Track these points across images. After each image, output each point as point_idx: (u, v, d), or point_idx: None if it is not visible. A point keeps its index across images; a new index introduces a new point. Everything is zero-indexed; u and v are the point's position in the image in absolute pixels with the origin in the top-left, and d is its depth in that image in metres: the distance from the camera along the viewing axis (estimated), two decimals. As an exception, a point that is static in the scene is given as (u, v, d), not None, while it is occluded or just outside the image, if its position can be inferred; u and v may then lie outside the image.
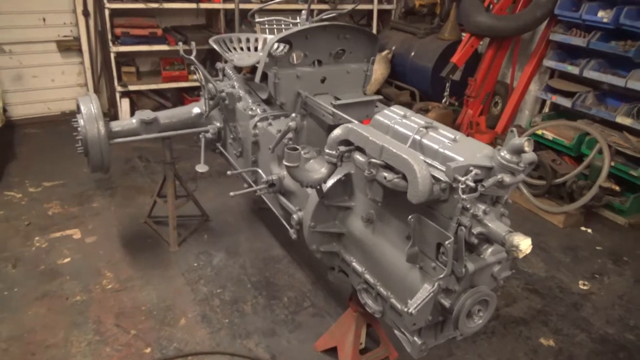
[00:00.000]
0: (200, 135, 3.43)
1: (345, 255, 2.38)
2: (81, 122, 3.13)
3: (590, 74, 4.55)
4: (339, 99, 2.61)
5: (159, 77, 5.83)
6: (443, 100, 5.29)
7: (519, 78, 5.45)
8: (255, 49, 3.53)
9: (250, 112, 3.10)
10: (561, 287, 3.50)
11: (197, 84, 5.89)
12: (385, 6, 6.82)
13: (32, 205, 4.12)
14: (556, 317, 3.21)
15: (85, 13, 5.65)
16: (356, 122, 2.11)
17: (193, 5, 5.53)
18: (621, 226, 4.37)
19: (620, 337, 3.09)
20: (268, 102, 3.23)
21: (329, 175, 2.14)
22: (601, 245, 4.07)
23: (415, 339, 2.02)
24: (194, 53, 3.31)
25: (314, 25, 2.43)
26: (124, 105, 5.62)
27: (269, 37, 3.52)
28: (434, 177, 1.74)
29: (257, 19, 2.93)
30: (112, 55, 5.35)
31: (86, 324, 2.92)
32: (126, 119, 3.36)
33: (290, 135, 2.64)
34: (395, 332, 2.14)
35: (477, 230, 1.73)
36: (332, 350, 2.77)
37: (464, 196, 1.62)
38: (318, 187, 2.21)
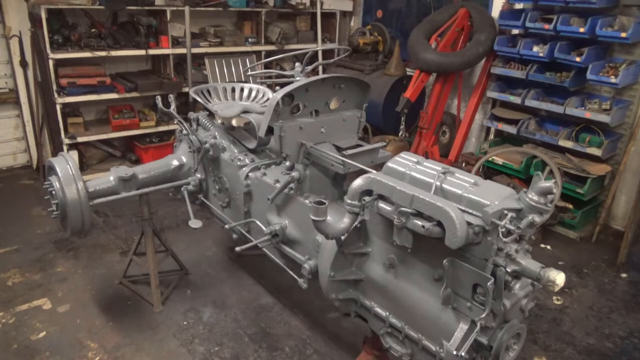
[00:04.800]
0: (182, 189, 3.34)
1: (364, 300, 2.40)
2: (56, 184, 2.95)
3: (531, 102, 4.97)
4: (338, 146, 2.67)
5: (108, 126, 5.59)
6: (400, 134, 5.53)
7: (463, 108, 5.84)
8: (233, 98, 3.52)
9: (238, 163, 3.08)
10: (539, 305, 3.74)
11: (149, 130, 5.74)
12: (329, 45, 7.06)
13: (-13, 277, 3.76)
14: (542, 335, 3.41)
15: (23, 64, 5.34)
16: (374, 171, 2.17)
17: (142, 52, 5.40)
18: (574, 240, 4.75)
19: (601, 347, 3.33)
20: (254, 151, 3.23)
21: (351, 225, 2.18)
22: (562, 260, 4.40)
23: (452, 378, 2.07)
24: (173, 106, 3.27)
25: (315, 79, 2.50)
26: (73, 157, 5.29)
27: (246, 85, 3.54)
28: (467, 221, 1.83)
29: (251, 73, 2.95)
30: (58, 107, 5.06)
31: (81, 404, 2.69)
32: (102, 177, 3.20)
33: (292, 185, 2.66)
34: (427, 373, 2.19)
35: (511, 268, 1.85)
36: (347, 397, 2.75)
37: (506, 239, 1.73)
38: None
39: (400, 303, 2.23)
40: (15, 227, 4.50)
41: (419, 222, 1.89)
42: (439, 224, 1.86)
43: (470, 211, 1.88)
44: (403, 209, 1.94)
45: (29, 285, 3.67)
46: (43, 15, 4.68)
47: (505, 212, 1.78)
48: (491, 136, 5.77)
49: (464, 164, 5.26)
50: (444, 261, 1.93)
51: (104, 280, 3.77)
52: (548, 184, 1.76)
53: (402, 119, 5.41)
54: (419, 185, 2.06)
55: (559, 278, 1.75)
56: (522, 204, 1.84)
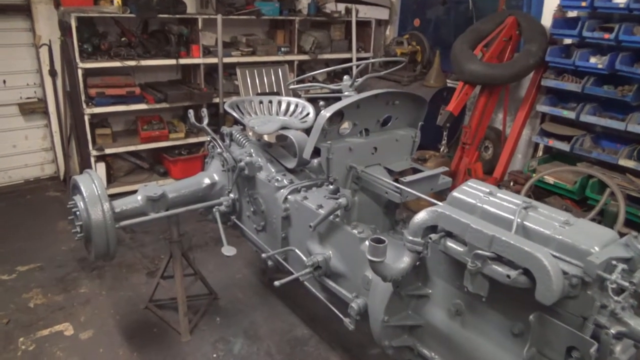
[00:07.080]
0: (214, 210, 3.09)
1: (422, 349, 2.09)
2: (81, 204, 2.73)
3: (587, 117, 4.58)
4: (389, 170, 2.38)
5: (136, 138, 5.41)
6: (441, 149, 5.20)
7: (509, 123, 5.48)
8: (270, 112, 3.26)
9: (276, 184, 2.81)
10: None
11: (178, 142, 5.54)
12: (363, 54, 6.79)
13: (8, 296, 3.56)
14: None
15: (52, 73, 5.21)
16: (441, 204, 1.87)
17: (172, 62, 5.22)
18: (635, 269, 4.32)
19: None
20: (293, 170, 2.96)
21: (412, 265, 1.88)
22: (625, 292, 3.98)
23: None
24: (206, 121, 3.04)
25: (368, 94, 2.21)
26: (100, 170, 5.14)
27: (284, 98, 3.28)
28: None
29: (294, 87, 2.69)
30: (86, 118, 4.90)
31: None
32: (129, 197, 2.97)
33: (338, 212, 2.37)
34: None
35: (616, 329, 1.51)
36: None
37: (618, 298, 1.41)
38: (395, 277, 1.94)
39: (467, 357, 1.91)
40: (40, 242, 4.33)
41: (502, 270, 1.58)
42: (526, 271, 1.55)
43: (566, 258, 1.55)
44: (479, 251, 1.63)
45: (51, 308, 3.47)
46: (73, 24, 4.53)
47: (614, 262, 1.46)
48: (539, 153, 5.38)
49: (511, 183, 4.89)
50: (530, 316, 1.61)
51: (129, 304, 3.54)
52: (670, 229, 1.43)
53: (444, 133, 5.08)
54: (494, 222, 1.75)
55: (682, 346, 1.41)
56: (632, 252, 1.51)
